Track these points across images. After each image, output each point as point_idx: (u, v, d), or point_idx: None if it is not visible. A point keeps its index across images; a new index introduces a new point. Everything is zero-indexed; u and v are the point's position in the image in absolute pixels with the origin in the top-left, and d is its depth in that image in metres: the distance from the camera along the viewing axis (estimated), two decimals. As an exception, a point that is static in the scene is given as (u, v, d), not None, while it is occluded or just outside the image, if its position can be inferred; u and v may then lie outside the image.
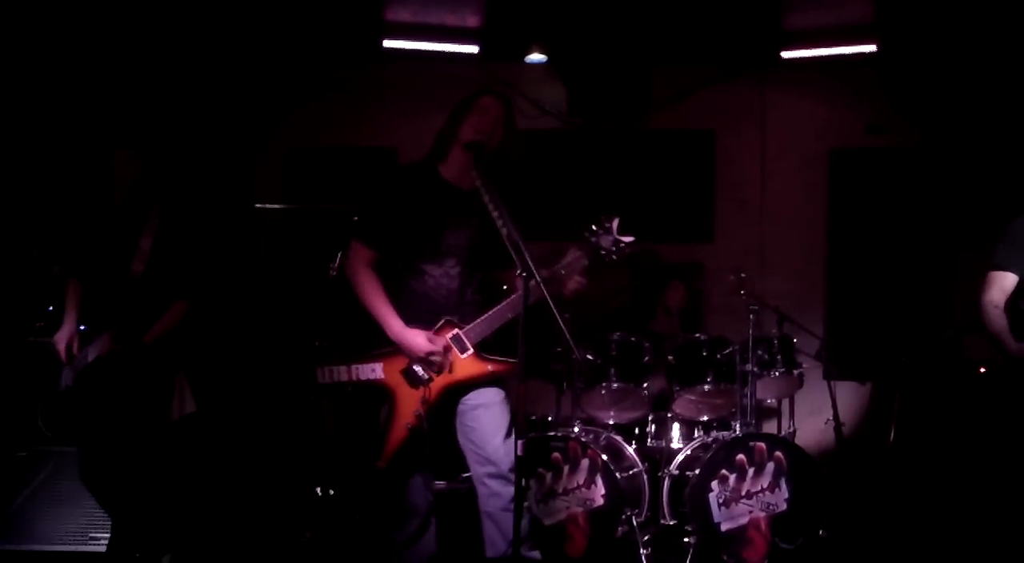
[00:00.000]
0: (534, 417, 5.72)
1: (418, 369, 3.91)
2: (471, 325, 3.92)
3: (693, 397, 5.60)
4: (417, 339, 3.87)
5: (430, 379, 3.90)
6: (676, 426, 5.71)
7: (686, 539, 5.12)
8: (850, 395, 6.68)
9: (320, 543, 5.06)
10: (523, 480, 3.57)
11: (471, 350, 3.92)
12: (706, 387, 5.50)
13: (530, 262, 3.57)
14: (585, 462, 5.18)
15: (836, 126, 7.18)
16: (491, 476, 3.93)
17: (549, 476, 5.17)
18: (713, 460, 5.09)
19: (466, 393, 3.98)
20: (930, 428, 6.12)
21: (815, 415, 6.16)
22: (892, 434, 6.10)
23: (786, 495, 5.07)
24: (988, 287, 4.45)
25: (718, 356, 5.51)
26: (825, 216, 7.19)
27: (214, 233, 4.63)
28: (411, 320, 3.92)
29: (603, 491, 5.14)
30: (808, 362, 5.79)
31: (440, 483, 5.66)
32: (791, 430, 5.82)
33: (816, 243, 7.19)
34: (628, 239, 3.99)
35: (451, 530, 4.51)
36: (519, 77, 7.06)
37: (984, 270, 4.50)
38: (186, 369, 4.58)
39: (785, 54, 6.76)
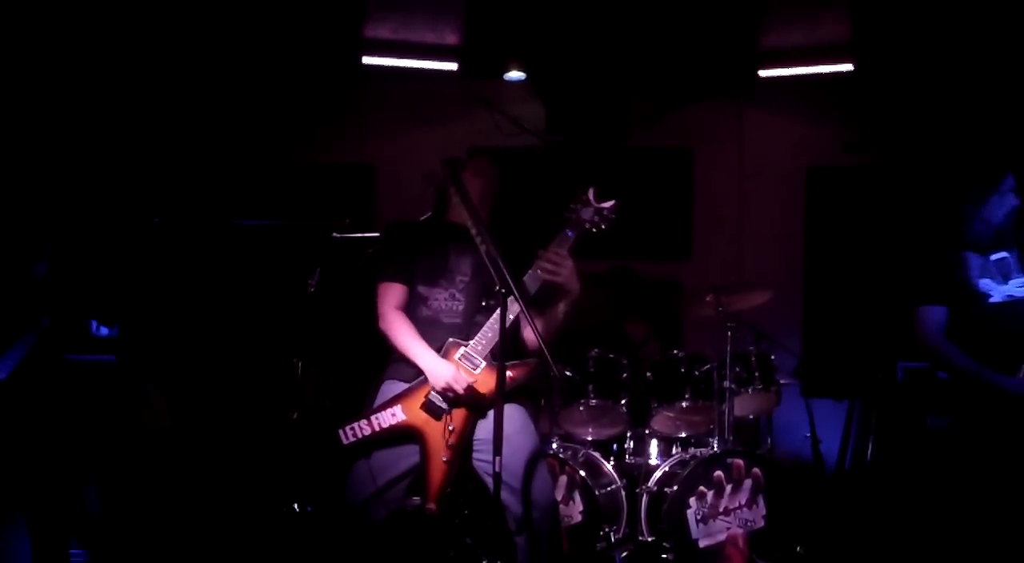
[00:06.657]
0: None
1: (435, 399, 3.73)
2: (474, 340, 3.77)
3: (671, 414, 5.60)
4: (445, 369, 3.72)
5: (451, 407, 3.73)
6: (654, 442, 5.70)
7: (664, 555, 5.12)
8: (828, 412, 6.68)
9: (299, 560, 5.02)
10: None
11: (483, 363, 3.76)
12: (684, 404, 5.51)
13: (509, 279, 3.52)
14: (563, 479, 5.18)
15: (813, 144, 7.23)
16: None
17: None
18: (691, 476, 5.10)
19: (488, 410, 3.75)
20: (908, 445, 6.14)
21: (793, 432, 6.17)
22: (870, 451, 6.12)
23: (764, 512, 5.08)
24: None
25: (696, 373, 5.52)
26: (803, 233, 7.23)
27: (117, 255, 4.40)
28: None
29: (581, 507, 5.14)
30: (786, 379, 5.81)
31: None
32: (769, 447, 5.84)
33: (794, 260, 7.22)
34: (608, 204, 3.90)
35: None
36: (498, 94, 7.08)
37: None
38: (161, 385, 4.53)
39: (762, 73, 6.81)
